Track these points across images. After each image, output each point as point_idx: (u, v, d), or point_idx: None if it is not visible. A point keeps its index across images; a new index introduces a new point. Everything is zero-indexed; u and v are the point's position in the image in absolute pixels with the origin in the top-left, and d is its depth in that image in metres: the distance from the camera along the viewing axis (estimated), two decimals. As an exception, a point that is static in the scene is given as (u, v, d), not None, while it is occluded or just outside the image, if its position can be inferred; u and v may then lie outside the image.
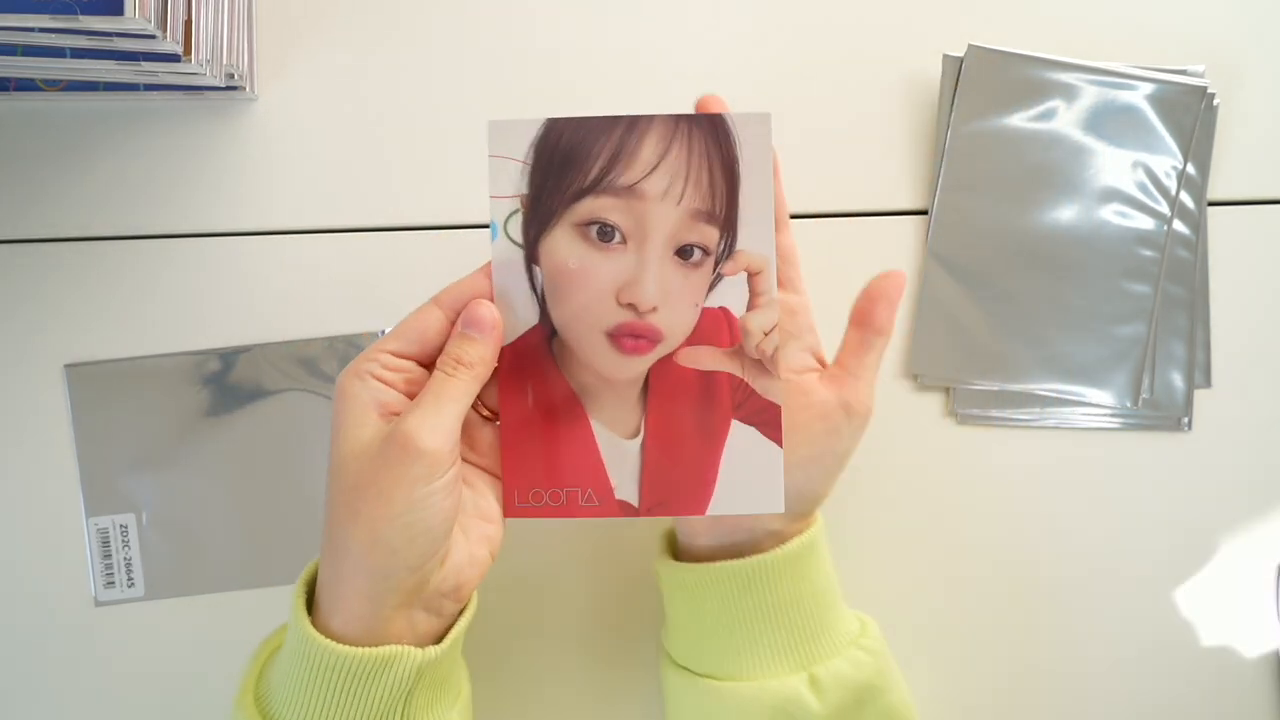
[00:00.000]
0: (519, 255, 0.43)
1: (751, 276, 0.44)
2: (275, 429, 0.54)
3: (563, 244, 0.43)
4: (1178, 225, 0.55)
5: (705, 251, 0.43)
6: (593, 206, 0.43)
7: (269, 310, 0.55)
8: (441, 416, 0.39)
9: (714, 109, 0.44)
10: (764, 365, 0.43)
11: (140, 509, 0.54)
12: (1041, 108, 0.55)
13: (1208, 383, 0.55)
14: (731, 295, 0.44)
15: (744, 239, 0.44)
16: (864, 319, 0.45)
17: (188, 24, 0.49)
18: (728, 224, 0.43)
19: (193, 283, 0.55)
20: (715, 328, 0.44)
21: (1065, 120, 0.55)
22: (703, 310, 0.44)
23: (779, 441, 0.43)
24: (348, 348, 0.55)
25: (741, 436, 0.44)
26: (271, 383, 0.55)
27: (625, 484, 0.44)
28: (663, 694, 0.49)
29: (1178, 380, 0.55)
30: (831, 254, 0.53)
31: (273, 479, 0.54)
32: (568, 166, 0.43)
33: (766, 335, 0.44)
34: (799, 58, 0.56)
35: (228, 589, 0.54)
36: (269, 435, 0.55)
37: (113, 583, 0.54)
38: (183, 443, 0.54)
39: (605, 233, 0.43)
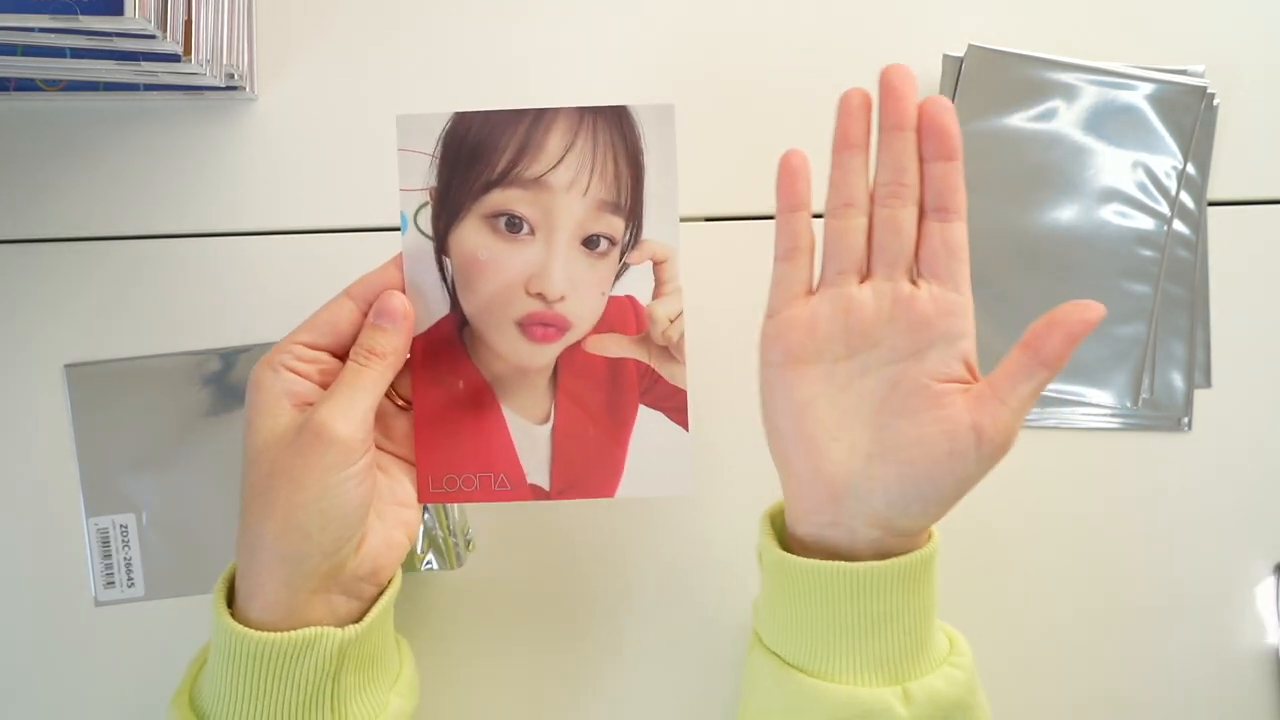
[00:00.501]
0: (429, 247, 0.44)
1: (657, 265, 0.44)
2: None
3: (472, 236, 0.44)
4: (1178, 225, 0.55)
5: (611, 241, 0.44)
6: (500, 199, 0.44)
7: (269, 310, 0.55)
8: (354, 406, 0.40)
9: (897, 80, 0.42)
10: (670, 351, 0.45)
11: (140, 509, 0.54)
12: (1041, 108, 0.55)
13: (1208, 383, 0.55)
14: (638, 284, 0.45)
15: (649, 229, 0.44)
16: (1033, 344, 0.40)
17: (188, 24, 0.49)
18: (633, 214, 0.44)
19: (193, 283, 0.55)
20: (622, 316, 0.45)
21: (1065, 120, 0.55)
22: (610, 299, 0.45)
23: (685, 425, 0.45)
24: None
25: (649, 421, 0.45)
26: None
27: (537, 468, 0.45)
28: (745, 672, 0.48)
29: (1178, 380, 0.55)
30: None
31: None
32: (475, 159, 0.44)
33: (672, 322, 0.45)
34: (799, 58, 0.56)
35: None
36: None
37: (113, 583, 0.54)
38: (183, 443, 0.54)
39: (513, 224, 0.44)
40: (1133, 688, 0.54)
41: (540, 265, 0.44)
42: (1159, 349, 0.55)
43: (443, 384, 0.45)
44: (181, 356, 0.55)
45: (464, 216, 0.44)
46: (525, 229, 0.44)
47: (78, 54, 0.49)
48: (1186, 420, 0.55)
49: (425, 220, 0.44)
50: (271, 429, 0.40)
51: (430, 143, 0.44)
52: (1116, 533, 0.54)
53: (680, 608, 0.54)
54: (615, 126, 0.44)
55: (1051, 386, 0.54)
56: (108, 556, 0.54)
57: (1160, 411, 0.55)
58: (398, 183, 0.44)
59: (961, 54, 0.55)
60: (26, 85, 0.55)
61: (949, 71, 0.55)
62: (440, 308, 0.44)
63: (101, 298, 0.55)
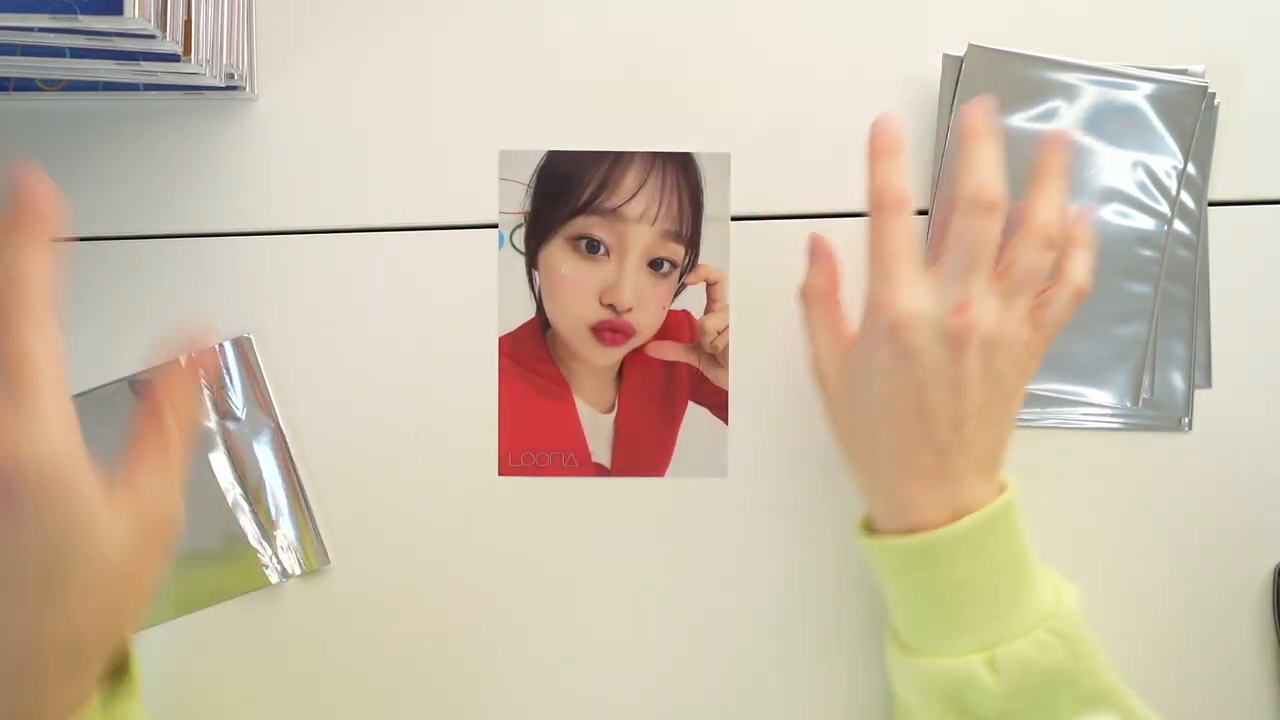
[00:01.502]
0: (521, 261, 0.53)
1: (710, 286, 0.54)
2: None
3: (557, 254, 0.53)
4: (1178, 225, 0.55)
5: (673, 264, 0.53)
6: (583, 224, 0.53)
7: (269, 310, 0.55)
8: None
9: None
10: (716, 359, 0.54)
11: None
12: (1042, 108, 0.55)
13: (1208, 383, 0.55)
14: (693, 301, 0.54)
15: (705, 255, 0.53)
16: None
17: (187, 24, 0.49)
18: (692, 242, 0.53)
19: (193, 283, 0.55)
20: (678, 326, 0.54)
21: (1065, 120, 0.55)
22: (669, 312, 0.53)
23: (726, 420, 0.54)
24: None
25: (696, 415, 0.54)
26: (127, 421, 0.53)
27: (600, 450, 0.54)
28: None
29: (1178, 380, 0.55)
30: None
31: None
32: (564, 190, 0.53)
33: (719, 334, 0.54)
34: (799, 57, 0.56)
35: (152, 624, 0.54)
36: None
37: None
38: None
39: (592, 246, 0.53)
40: (1132, 687, 0.54)
41: (613, 281, 0.53)
42: (1159, 349, 0.55)
43: (525, 375, 0.53)
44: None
45: (551, 238, 0.53)
46: (602, 250, 0.53)
47: (77, 54, 0.49)
48: (1187, 420, 0.55)
49: (519, 239, 0.53)
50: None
51: (526, 174, 0.53)
52: (1116, 533, 0.54)
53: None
54: (681, 169, 0.53)
55: (1052, 387, 0.54)
56: None
57: (1160, 411, 0.55)
58: (497, 206, 0.53)
59: (961, 54, 0.55)
60: (26, 85, 0.54)
61: (949, 71, 0.55)
62: (527, 311, 0.53)
63: (102, 298, 0.55)
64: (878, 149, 0.45)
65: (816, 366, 0.47)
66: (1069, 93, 0.55)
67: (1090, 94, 0.55)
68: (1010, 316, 0.43)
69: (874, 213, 0.45)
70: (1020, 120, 0.55)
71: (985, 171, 0.43)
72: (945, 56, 0.55)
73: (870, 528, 0.46)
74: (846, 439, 0.46)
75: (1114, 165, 0.55)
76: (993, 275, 0.44)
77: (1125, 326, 0.54)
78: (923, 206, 0.55)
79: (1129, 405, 0.54)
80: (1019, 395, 0.45)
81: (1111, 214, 0.55)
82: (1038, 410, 0.55)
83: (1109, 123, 0.55)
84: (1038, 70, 0.55)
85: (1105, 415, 0.55)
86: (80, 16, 0.44)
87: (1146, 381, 0.54)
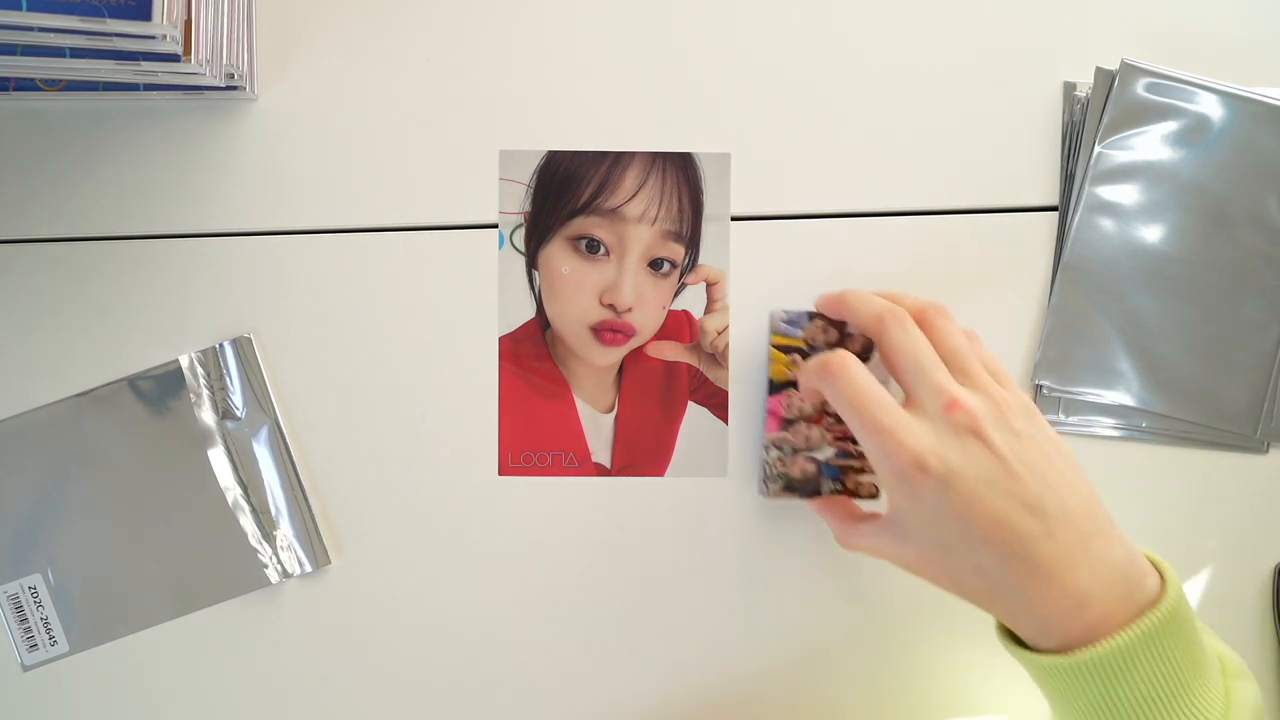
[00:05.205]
0: (521, 261, 0.53)
1: (710, 286, 0.54)
2: (150, 456, 0.54)
3: (557, 254, 0.53)
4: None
5: (673, 264, 0.53)
6: (583, 224, 0.53)
7: (269, 310, 0.55)
8: None
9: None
10: (716, 359, 0.54)
11: (45, 567, 0.54)
12: (1189, 130, 0.54)
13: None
14: (693, 301, 0.54)
15: (705, 255, 0.53)
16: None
17: (187, 24, 0.49)
18: (692, 243, 0.53)
19: (193, 283, 0.55)
20: (678, 326, 0.54)
21: (1213, 144, 0.54)
22: (669, 312, 0.53)
23: (726, 420, 0.54)
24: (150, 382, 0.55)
25: (696, 415, 0.54)
26: (128, 420, 0.54)
27: (601, 450, 0.54)
28: None
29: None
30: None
31: (164, 505, 0.54)
32: (564, 191, 0.53)
33: (719, 334, 0.54)
34: (799, 57, 0.56)
35: (153, 624, 0.54)
36: (147, 463, 0.54)
37: (35, 644, 0.54)
38: (69, 491, 0.54)
39: (592, 246, 0.53)
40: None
41: (613, 281, 0.53)
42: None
43: (525, 376, 0.53)
44: (45, 410, 0.54)
45: (551, 238, 0.53)
46: (602, 250, 0.53)
47: (77, 54, 0.49)
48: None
49: (519, 239, 0.53)
50: None
51: (526, 174, 0.53)
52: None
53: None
54: (681, 169, 0.53)
55: (1169, 410, 0.54)
56: (24, 620, 0.54)
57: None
58: (498, 206, 0.53)
59: (1114, 68, 0.54)
60: (26, 85, 0.54)
61: (1100, 84, 0.54)
62: (527, 312, 0.53)
63: (102, 298, 0.55)
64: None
65: (880, 554, 0.45)
66: (1218, 116, 0.54)
67: (1241, 119, 0.54)
68: (985, 385, 0.43)
69: (825, 381, 0.44)
70: (1166, 141, 0.54)
71: (875, 298, 0.46)
72: (1098, 69, 0.55)
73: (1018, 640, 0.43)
74: (959, 588, 0.42)
75: (1259, 193, 0.54)
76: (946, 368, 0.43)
77: (1251, 354, 0.54)
78: (1051, 203, 0.55)
79: (1250, 433, 0.54)
80: (1063, 449, 0.42)
81: (1255, 242, 0.54)
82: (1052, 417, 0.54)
83: (1250, 148, 0.54)
84: (1187, 92, 0.54)
85: (1109, 425, 0.55)
86: (108, 20, 0.44)
87: (1266, 409, 0.54)
